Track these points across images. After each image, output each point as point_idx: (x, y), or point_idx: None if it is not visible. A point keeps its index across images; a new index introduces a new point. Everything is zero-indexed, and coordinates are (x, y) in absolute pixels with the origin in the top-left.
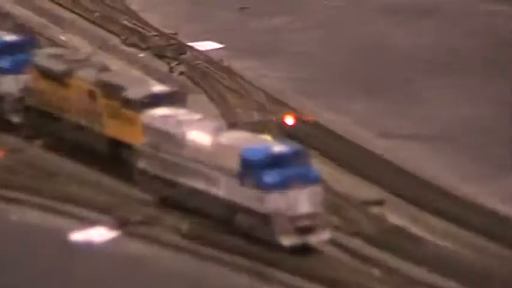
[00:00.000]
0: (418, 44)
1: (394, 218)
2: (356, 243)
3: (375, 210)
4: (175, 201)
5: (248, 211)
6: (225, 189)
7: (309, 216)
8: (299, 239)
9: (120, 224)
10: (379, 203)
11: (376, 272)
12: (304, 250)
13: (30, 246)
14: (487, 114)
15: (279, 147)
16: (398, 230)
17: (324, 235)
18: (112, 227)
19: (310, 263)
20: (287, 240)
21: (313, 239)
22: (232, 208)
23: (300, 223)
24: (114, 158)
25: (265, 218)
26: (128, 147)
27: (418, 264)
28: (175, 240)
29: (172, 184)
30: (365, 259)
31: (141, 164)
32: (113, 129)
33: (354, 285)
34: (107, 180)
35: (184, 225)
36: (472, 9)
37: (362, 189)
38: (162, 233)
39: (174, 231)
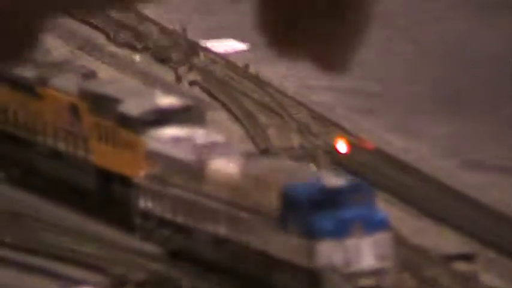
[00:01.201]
0: None
1: (488, 278)
2: None
3: (463, 267)
4: (189, 254)
5: (291, 267)
6: (258, 237)
7: (373, 273)
8: None
9: (117, 285)
10: (469, 257)
11: None
12: None
13: None
14: None
15: (333, 181)
16: None
17: None
18: None
19: None
20: None
21: None
22: (269, 263)
23: (361, 283)
24: (105, 196)
25: (315, 276)
26: (124, 181)
27: None
28: None
29: (186, 231)
30: None
31: (143, 204)
32: (103, 157)
33: None
34: (96, 227)
35: (205, 285)
36: None
37: (444, 240)
38: None
39: None
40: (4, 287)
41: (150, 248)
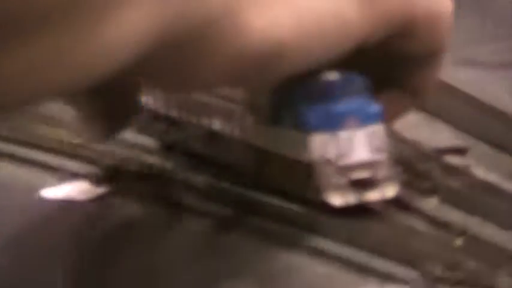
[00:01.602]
0: None
1: (481, 171)
2: (431, 203)
3: (456, 160)
4: (184, 148)
5: (284, 160)
6: (251, 131)
7: (367, 165)
8: (353, 197)
9: (109, 176)
10: (461, 151)
11: (458, 241)
12: (360, 211)
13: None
14: None
15: (326, 74)
16: (487, 187)
17: (389, 191)
18: (98, 181)
19: (369, 227)
20: (337, 199)
21: (373, 196)
22: (263, 156)
23: (355, 175)
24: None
25: (308, 169)
26: None
27: None
28: (186, 199)
29: (181, 125)
30: (442, 224)
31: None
32: None
33: (429, 256)
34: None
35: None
36: None
37: (437, 134)
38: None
39: (185, 188)
40: (2, 180)
41: (144, 141)
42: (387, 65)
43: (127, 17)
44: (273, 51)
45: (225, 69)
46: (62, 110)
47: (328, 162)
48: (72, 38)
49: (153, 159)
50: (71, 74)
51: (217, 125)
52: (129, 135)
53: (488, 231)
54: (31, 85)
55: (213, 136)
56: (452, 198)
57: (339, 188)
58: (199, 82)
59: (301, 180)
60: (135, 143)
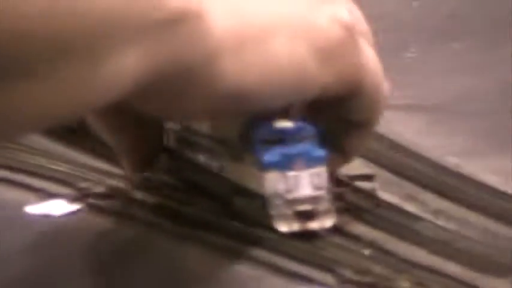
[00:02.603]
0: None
1: (385, 194)
2: (344, 220)
3: (364, 185)
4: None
5: (246, 192)
6: (226, 165)
7: (309, 199)
8: (297, 225)
9: (82, 196)
10: (369, 177)
11: (366, 251)
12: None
13: None
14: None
15: (281, 123)
16: (390, 207)
17: (327, 222)
18: (73, 199)
19: (297, 242)
20: (284, 226)
21: (314, 226)
22: (233, 187)
23: (299, 208)
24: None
25: (263, 200)
26: None
27: (415, 245)
28: (148, 216)
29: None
30: (353, 237)
31: None
32: None
33: (343, 264)
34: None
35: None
36: None
37: (349, 164)
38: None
39: (147, 207)
40: None
41: (109, 167)
42: (332, 125)
43: (126, 57)
44: (241, 94)
45: (204, 104)
46: (41, 141)
47: (278, 195)
48: (76, 76)
49: (117, 182)
50: (72, 107)
51: (201, 159)
52: (98, 163)
53: (392, 243)
54: (39, 115)
55: (197, 168)
56: (361, 216)
57: (285, 218)
58: (183, 112)
59: (258, 209)
60: (102, 168)
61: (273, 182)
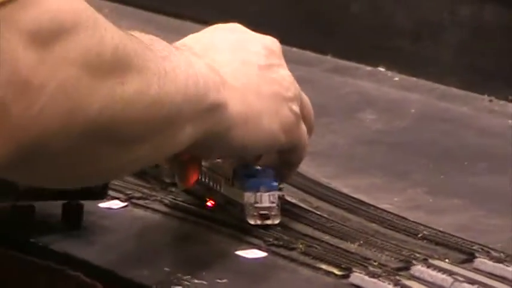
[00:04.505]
0: None
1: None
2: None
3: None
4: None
5: (234, 203)
6: (225, 188)
7: (267, 208)
8: (260, 221)
9: (126, 198)
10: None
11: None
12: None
13: None
14: None
15: (255, 167)
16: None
17: (276, 220)
18: (123, 200)
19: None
20: (252, 221)
21: (268, 222)
22: (227, 200)
23: (261, 212)
24: None
25: (242, 207)
26: None
27: (310, 226)
28: (166, 210)
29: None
30: (288, 228)
31: None
32: None
33: (274, 237)
34: None
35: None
36: None
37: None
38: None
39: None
40: None
41: (142, 182)
42: (280, 165)
43: (187, 129)
44: (242, 149)
45: (222, 152)
46: None
47: (251, 205)
48: (163, 141)
49: (147, 191)
50: (158, 157)
51: (210, 183)
52: (136, 180)
53: (299, 226)
54: (140, 163)
55: (207, 187)
56: (294, 217)
57: (254, 217)
58: (211, 156)
59: (240, 211)
60: (137, 182)
61: (249, 198)
